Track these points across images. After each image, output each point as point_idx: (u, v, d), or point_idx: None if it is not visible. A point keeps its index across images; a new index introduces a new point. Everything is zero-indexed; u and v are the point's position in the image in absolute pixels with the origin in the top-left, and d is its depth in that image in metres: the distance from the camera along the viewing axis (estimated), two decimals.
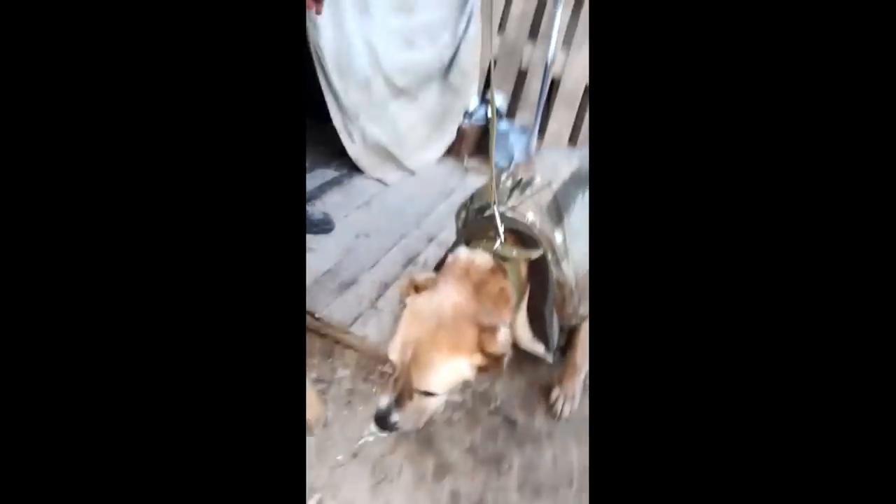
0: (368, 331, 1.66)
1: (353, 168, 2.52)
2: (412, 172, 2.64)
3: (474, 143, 2.96)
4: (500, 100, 3.00)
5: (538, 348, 1.28)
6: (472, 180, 2.75)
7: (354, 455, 1.38)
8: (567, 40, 2.84)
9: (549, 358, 1.30)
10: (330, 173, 2.51)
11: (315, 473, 1.32)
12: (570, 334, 1.46)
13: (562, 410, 1.54)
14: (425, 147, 2.78)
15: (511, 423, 1.52)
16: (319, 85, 2.28)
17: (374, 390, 1.54)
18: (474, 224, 1.25)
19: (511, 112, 3.06)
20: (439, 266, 1.27)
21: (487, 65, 3.02)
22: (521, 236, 1.17)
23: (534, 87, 2.93)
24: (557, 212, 1.19)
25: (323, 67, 2.25)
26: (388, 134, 2.58)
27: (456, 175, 2.78)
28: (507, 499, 1.33)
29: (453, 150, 2.93)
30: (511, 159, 2.80)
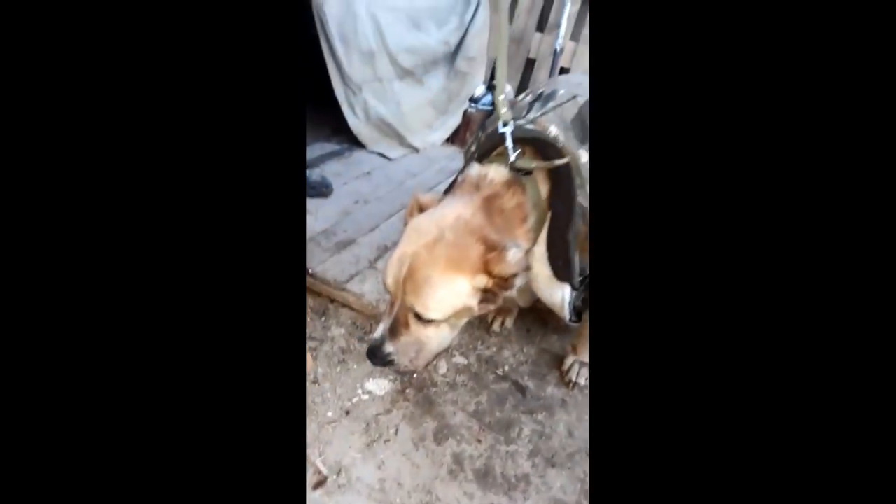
0: (366, 289, 1.52)
1: (355, 143, 2.42)
2: (416, 150, 2.53)
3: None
4: (507, 89, 2.93)
5: (557, 294, 1.13)
6: None
7: (347, 412, 1.22)
8: (574, 37, 2.79)
9: (567, 312, 1.15)
10: (330, 146, 2.40)
11: None
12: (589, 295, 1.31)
13: (577, 378, 1.39)
14: (430, 129, 2.68)
15: (521, 388, 1.37)
16: (322, 62, 2.20)
17: None
18: (488, 141, 1.12)
19: None
20: (448, 190, 1.14)
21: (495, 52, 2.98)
22: (543, 151, 1.02)
23: (542, 77, 2.87)
24: (583, 128, 1.03)
25: (326, 34, 2.17)
26: (392, 112, 2.49)
27: (461, 159, 2.68)
28: (517, 466, 1.18)
29: (458, 136, 2.84)
30: None
